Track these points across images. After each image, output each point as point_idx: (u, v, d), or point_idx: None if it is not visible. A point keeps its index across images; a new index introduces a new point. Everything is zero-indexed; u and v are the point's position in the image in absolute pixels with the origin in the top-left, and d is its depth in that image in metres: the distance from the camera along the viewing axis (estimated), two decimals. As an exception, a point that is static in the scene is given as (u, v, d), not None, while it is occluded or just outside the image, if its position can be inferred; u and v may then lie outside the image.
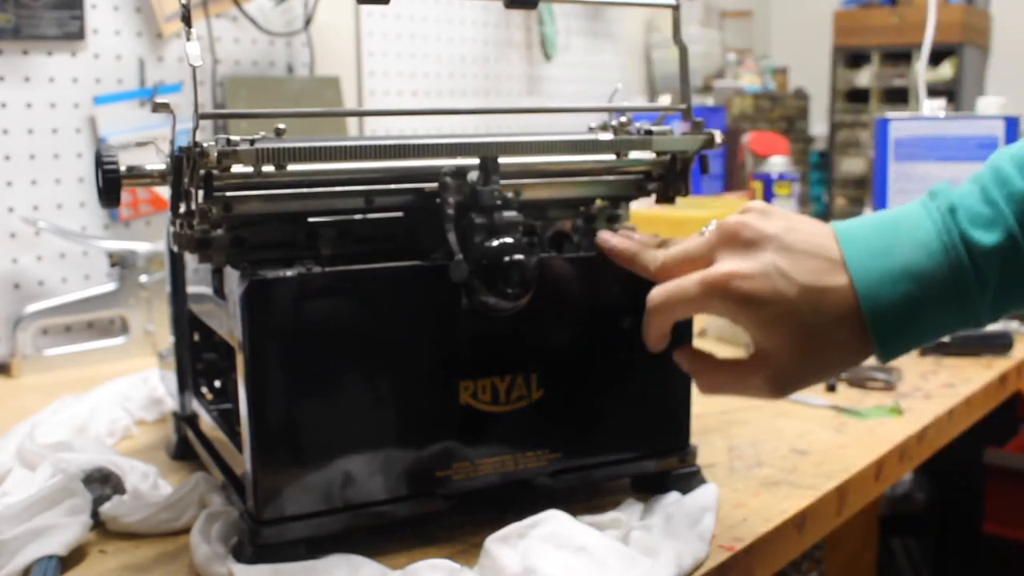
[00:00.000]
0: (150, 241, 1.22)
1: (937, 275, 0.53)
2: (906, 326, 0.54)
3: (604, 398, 0.69)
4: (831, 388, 1.02)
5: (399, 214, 0.66)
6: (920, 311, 0.54)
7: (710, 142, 0.71)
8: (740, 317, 0.57)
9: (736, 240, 0.57)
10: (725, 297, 0.56)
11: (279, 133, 0.60)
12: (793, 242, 0.56)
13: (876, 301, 0.54)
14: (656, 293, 0.60)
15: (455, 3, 1.76)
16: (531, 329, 0.65)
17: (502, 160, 0.65)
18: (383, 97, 1.66)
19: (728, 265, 0.57)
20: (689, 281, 0.58)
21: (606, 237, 0.66)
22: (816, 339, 0.55)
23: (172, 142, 0.60)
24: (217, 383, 0.81)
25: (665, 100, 2.04)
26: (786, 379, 0.57)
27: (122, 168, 0.62)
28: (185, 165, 0.59)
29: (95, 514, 0.65)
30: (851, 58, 3.55)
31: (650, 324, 0.62)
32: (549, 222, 0.73)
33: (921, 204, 0.56)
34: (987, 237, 0.53)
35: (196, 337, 0.79)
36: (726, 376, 0.61)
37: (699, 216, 1.36)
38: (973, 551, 1.77)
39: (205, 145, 0.57)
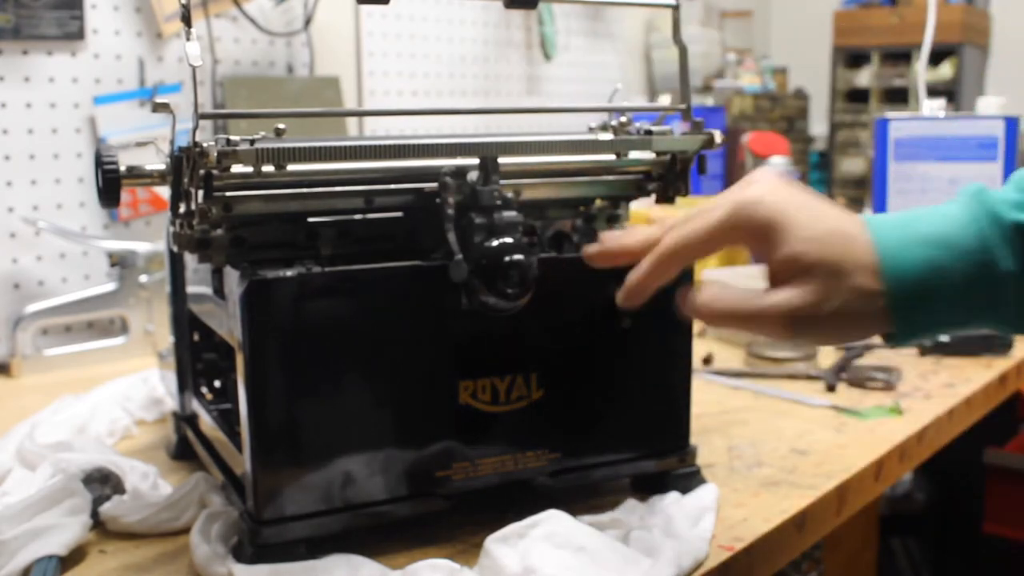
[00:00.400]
0: (150, 241, 1.22)
1: (963, 243, 0.51)
2: (926, 293, 0.51)
3: (604, 398, 0.69)
4: (831, 388, 1.02)
5: (399, 214, 0.66)
6: (942, 278, 0.51)
7: (710, 142, 0.71)
8: (763, 244, 0.54)
9: (764, 178, 0.55)
10: (752, 222, 0.53)
11: (279, 133, 0.60)
12: (811, 197, 0.55)
13: (896, 261, 0.51)
14: (673, 235, 0.56)
15: (455, 3, 1.76)
16: (531, 329, 0.65)
17: (502, 160, 0.65)
18: (383, 97, 1.66)
19: (754, 192, 0.54)
20: (714, 212, 0.55)
21: (588, 248, 0.60)
22: (841, 280, 0.51)
23: (172, 142, 0.60)
24: (217, 383, 0.81)
25: (665, 100, 2.04)
26: (802, 315, 0.52)
27: (122, 168, 0.63)
28: (185, 165, 0.59)
29: (95, 514, 0.65)
30: (851, 58, 3.55)
31: (657, 270, 0.57)
32: (549, 222, 0.73)
33: (951, 201, 0.54)
34: (1017, 214, 0.51)
35: (196, 337, 0.79)
36: (739, 298, 0.55)
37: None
38: (973, 551, 1.77)
39: (205, 145, 0.57)
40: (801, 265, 0.52)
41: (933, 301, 0.51)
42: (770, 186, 0.55)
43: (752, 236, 0.54)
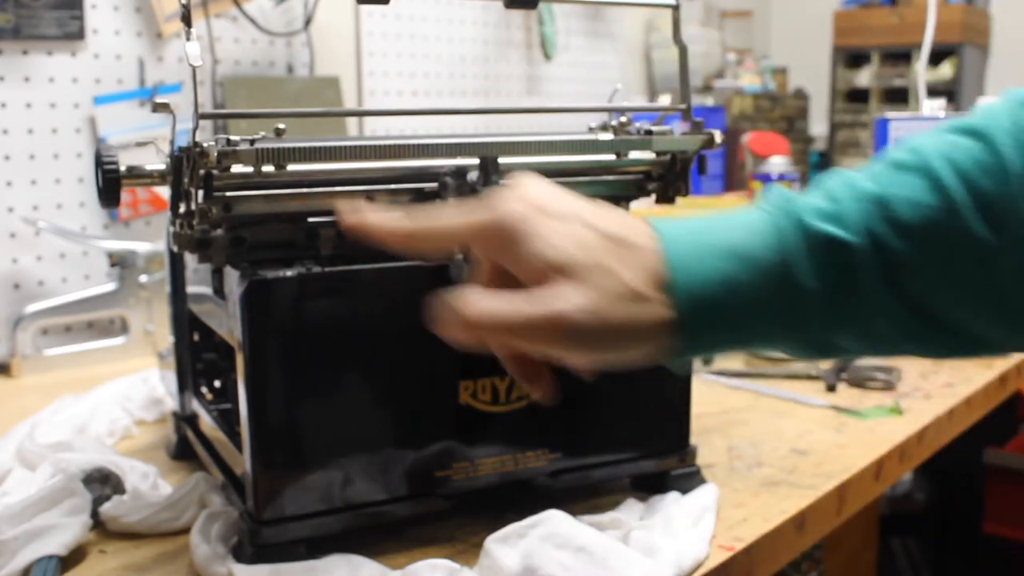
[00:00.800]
0: (150, 241, 1.22)
1: (761, 257, 0.46)
2: (713, 307, 0.46)
3: (604, 398, 0.69)
4: (831, 388, 1.02)
5: (399, 214, 0.66)
6: (733, 292, 0.46)
7: (710, 142, 0.71)
8: (517, 254, 0.47)
9: (522, 186, 0.49)
10: (509, 227, 0.47)
11: (279, 133, 0.60)
12: (586, 202, 0.49)
13: (687, 274, 0.46)
14: (423, 217, 0.49)
15: (455, 3, 1.76)
16: (531, 329, 0.65)
17: (502, 160, 0.65)
18: (383, 97, 1.66)
19: (515, 196, 0.48)
20: (454, 213, 0.49)
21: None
22: (612, 280, 0.46)
23: (172, 142, 0.60)
24: (217, 383, 0.80)
25: (665, 100, 2.04)
26: (579, 318, 0.45)
27: (122, 168, 0.62)
28: (185, 165, 0.59)
29: (95, 514, 0.65)
30: (851, 58, 3.56)
31: (395, 238, 0.50)
32: (549, 222, 0.73)
33: (756, 203, 0.50)
34: (825, 227, 0.47)
35: (196, 337, 0.79)
36: (509, 307, 0.46)
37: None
38: (973, 551, 1.77)
39: (205, 145, 0.57)
40: (566, 270, 0.46)
41: (725, 318, 0.47)
42: (534, 192, 0.48)
43: (504, 247, 0.47)
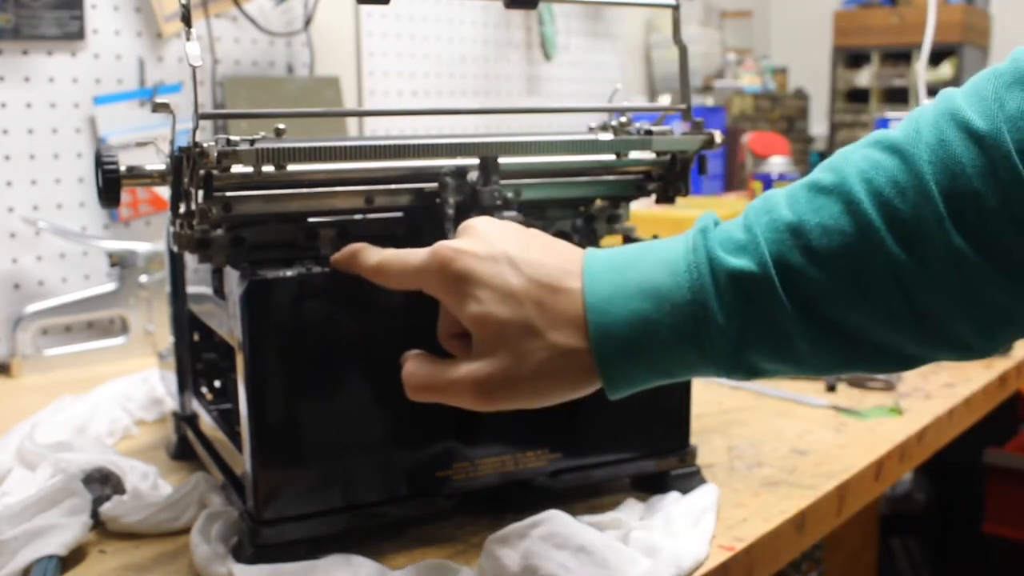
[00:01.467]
0: (150, 241, 1.22)
1: (675, 295, 0.48)
2: (634, 347, 0.49)
3: (604, 398, 0.68)
4: (831, 388, 1.02)
5: (399, 214, 0.66)
6: (651, 332, 0.48)
7: (710, 142, 0.71)
8: (454, 298, 0.51)
9: (476, 230, 0.53)
10: (443, 272, 0.51)
11: (279, 133, 0.60)
12: (535, 239, 0.53)
13: (604, 314, 0.49)
14: (384, 253, 0.56)
15: (455, 3, 1.76)
16: (531, 329, 0.65)
17: (502, 160, 0.65)
18: (383, 97, 1.66)
19: (457, 243, 0.52)
20: (413, 252, 0.54)
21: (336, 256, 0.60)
22: (533, 339, 0.49)
23: (172, 142, 0.60)
24: (217, 383, 0.80)
25: (665, 100, 2.04)
26: (493, 383, 0.50)
27: (122, 168, 0.62)
28: (185, 165, 0.59)
29: (95, 514, 0.65)
30: (851, 58, 3.56)
31: (355, 268, 0.57)
32: (549, 222, 0.73)
33: (684, 233, 0.51)
34: (735, 261, 0.48)
35: (196, 337, 0.79)
36: (432, 371, 0.53)
37: (699, 216, 1.36)
38: (973, 551, 1.77)
39: (205, 145, 0.57)
40: (490, 327, 0.50)
41: (642, 356, 0.49)
42: (475, 239, 0.52)
43: (446, 291, 0.52)
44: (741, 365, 0.49)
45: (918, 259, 0.45)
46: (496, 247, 0.51)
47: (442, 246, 0.52)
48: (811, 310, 0.47)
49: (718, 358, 0.49)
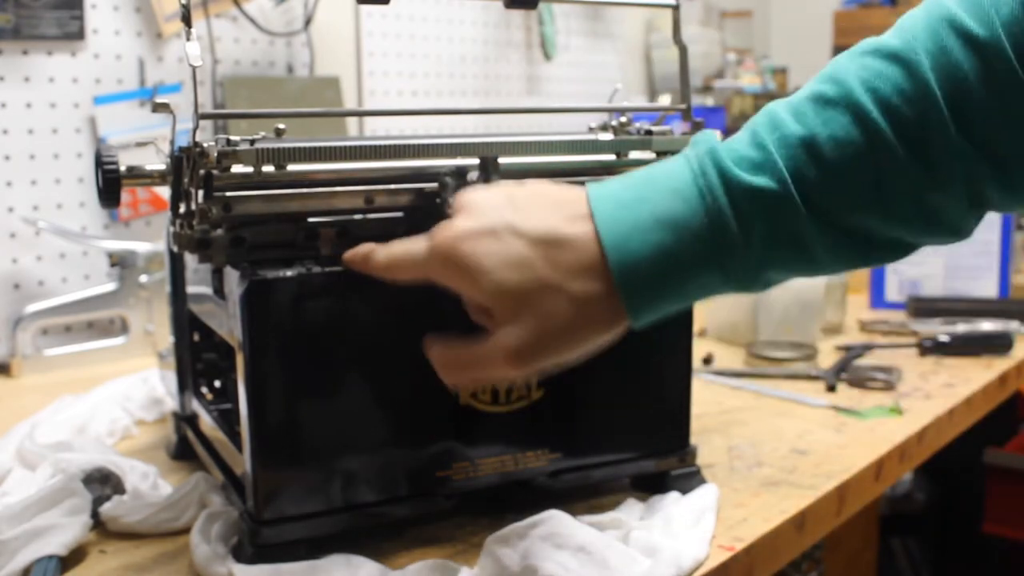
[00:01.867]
0: (150, 241, 1.22)
1: (693, 222, 0.48)
2: (659, 280, 0.48)
3: (604, 398, 0.69)
4: (831, 388, 1.02)
5: (399, 214, 0.66)
6: (675, 263, 0.48)
7: (710, 142, 0.71)
8: (466, 283, 0.51)
9: (471, 205, 0.53)
10: (448, 261, 0.51)
11: (279, 133, 0.60)
12: (530, 195, 0.52)
13: (624, 251, 0.48)
14: (391, 248, 0.56)
15: (455, 3, 1.76)
16: (531, 329, 0.65)
17: (502, 160, 0.65)
18: (383, 97, 1.66)
19: (455, 225, 0.52)
20: (419, 242, 0.54)
21: (347, 253, 0.60)
22: (554, 295, 0.49)
23: (172, 142, 0.60)
24: (217, 383, 0.80)
25: (665, 100, 2.04)
26: (525, 348, 0.50)
27: (122, 168, 0.63)
28: (185, 165, 0.59)
29: (95, 514, 0.65)
30: (851, 58, 3.55)
31: (365, 269, 0.57)
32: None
33: (682, 154, 0.51)
34: (753, 179, 0.48)
35: (196, 337, 0.79)
36: (466, 352, 0.52)
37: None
38: (973, 551, 1.77)
39: (205, 145, 0.57)
40: (508, 297, 0.49)
41: (667, 286, 0.49)
42: (470, 216, 0.52)
43: (455, 278, 0.52)
44: (761, 280, 0.50)
45: (926, 163, 0.48)
46: (492, 217, 0.51)
47: (440, 235, 0.52)
48: (830, 218, 0.49)
49: (740, 277, 0.49)
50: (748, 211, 0.48)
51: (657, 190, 0.49)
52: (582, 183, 0.72)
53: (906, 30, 0.49)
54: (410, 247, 0.54)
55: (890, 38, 0.49)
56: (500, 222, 0.50)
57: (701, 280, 0.49)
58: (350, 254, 0.58)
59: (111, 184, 0.62)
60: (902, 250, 0.52)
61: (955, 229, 0.51)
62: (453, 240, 0.51)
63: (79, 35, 1.22)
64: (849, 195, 0.48)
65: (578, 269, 0.49)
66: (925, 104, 0.47)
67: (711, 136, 0.51)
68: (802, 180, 0.48)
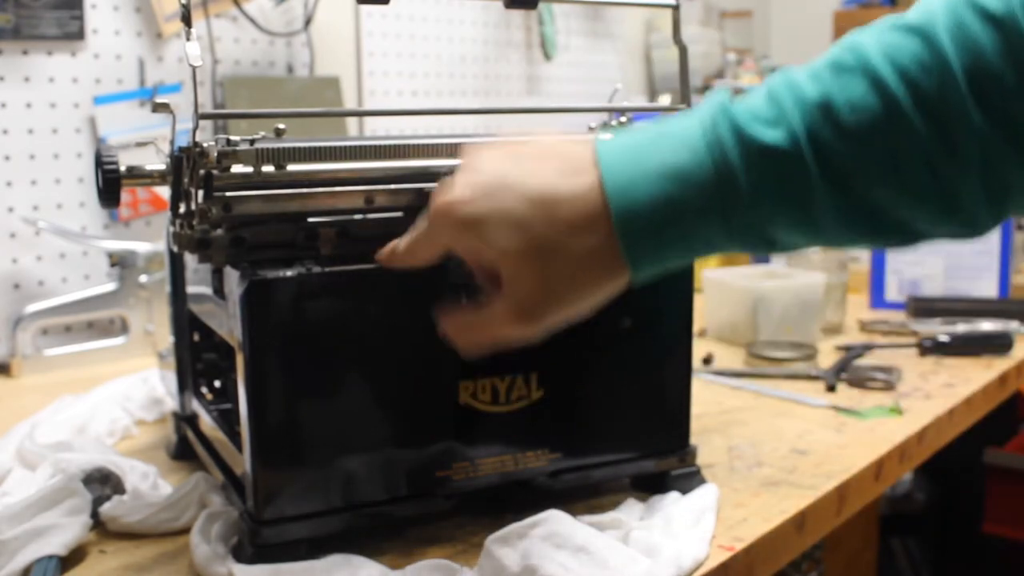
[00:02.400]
0: (150, 241, 1.22)
1: (699, 174, 0.47)
2: (660, 230, 0.48)
3: (604, 398, 0.69)
4: (831, 388, 1.02)
5: (399, 214, 0.66)
6: (678, 214, 0.48)
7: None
8: (470, 246, 0.51)
9: (471, 164, 0.53)
10: (450, 228, 0.51)
11: (279, 133, 0.60)
12: (534, 150, 0.52)
13: (626, 198, 0.48)
14: (403, 246, 0.57)
15: (455, 3, 1.76)
16: (531, 329, 0.65)
17: (502, 160, 0.65)
18: (383, 97, 1.66)
19: (453, 192, 0.51)
20: (422, 224, 0.55)
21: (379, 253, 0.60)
22: (555, 254, 0.49)
23: (172, 142, 0.60)
24: (217, 383, 0.80)
25: (665, 100, 2.04)
26: (531, 307, 0.50)
27: (122, 168, 0.63)
28: (185, 165, 0.59)
29: (95, 514, 0.65)
30: (851, 58, 3.55)
31: (393, 263, 0.58)
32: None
33: (695, 109, 0.51)
34: (766, 134, 0.47)
35: (196, 337, 0.79)
36: (474, 317, 0.54)
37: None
38: (973, 551, 1.77)
39: (205, 145, 0.57)
40: (511, 258, 0.50)
41: (668, 237, 0.49)
42: (467, 177, 0.52)
43: (460, 242, 0.52)
44: (764, 238, 0.50)
45: (943, 136, 0.47)
46: (490, 176, 0.51)
47: (437, 202, 0.52)
48: (841, 185, 0.48)
49: (744, 233, 0.49)
50: (758, 166, 0.47)
51: (666, 141, 0.49)
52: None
53: (925, 8, 0.49)
54: (418, 229, 0.55)
55: (909, 14, 0.49)
56: (497, 181, 0.50)
57: (703, 233, 0.49)
58: (381, 255, 0.59)
59: (111, 184, 0.62)
60: (911, 236, 0.51)
61: (970, 219, 0.49)
62: (451, 204, 0.51)
63: (79, 35, 1.22)
64: (863, 162, 0.48)
65: (577, 224, 0.49)
66: (944, 76, 0.46)
67: (724, 92, 0.50)
68: (816, 141, 0.47)
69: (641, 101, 2.31)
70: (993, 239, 1.40)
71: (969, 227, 0.50)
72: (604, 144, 0.50)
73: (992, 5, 0.47)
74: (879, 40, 0.49)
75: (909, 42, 0.48)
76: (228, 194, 0.60)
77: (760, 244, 0.50)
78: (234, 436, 0.65)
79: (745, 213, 0.48)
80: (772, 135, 0.47)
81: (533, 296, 0.50)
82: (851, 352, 1.14)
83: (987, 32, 0.46)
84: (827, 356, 1.15)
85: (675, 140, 0.49)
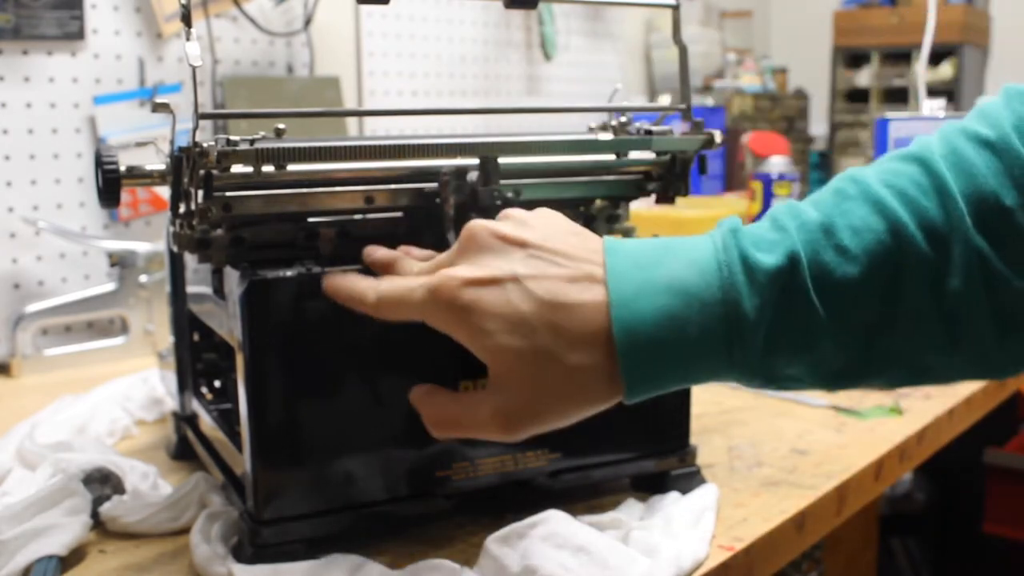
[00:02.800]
0: (150, 241, 1.22)
1: (705, 294, 0.46)
2: (661, 348, 0.46)
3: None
4: (831, 388, 1.02)
5: (399, 214, 0.66)
6: (679, 330, 0.46)
7: (710, 142, 0.71)
8: (463, 333, 0.49)
9: (479, 245, 0.50)
10: (448, 306, 0.49)
11: (279, 133, 0.60)
12: (547, 251, 0.49)
13: (629, 311, 0.46)
14: (381, 288, 0.53)
15: (455, 3, 1.76)
16: (531, 329, 0.65)
17: (502, 160, 0.65)
18: (383, 97, 1.66)
19: (459, 271, 0.49)
20: (416, 282, 0.51)
21: (370, 250, 0.59)
22: (551, 365, 0.47)
23: (172, 142, 0.60)
24: (217, 383, 0.81)
25: (665, 100, 2.04)
26: (516, 415, 0.48)
27: (122, 168, 0.62)
28: (185, 165, 0.59)
29: (95, 514, 0.65)
30: (851, 58, 3.56)
31: (356, 303, 0.55)
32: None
33: (707, 233, 0.50)
34: (768, 258, 0.47)
35: (196, 337, 0.79)
36: (455, 409, 0.52)
37: (699, 216, 1.36)
38: (973, 551, 1.77)
39: (205, 145, 0.57)
40: (505, 359, 0.48)
41: (668, 355, 0.47)
42: (476, 260, 0.50)
43: (453, 326, 0.50)
44: (765, 368, 0.48)
45: (945, 258, 0.46)
46: (499, 267, 0.49)
47: (442, 277, 0.50)
48: (841, 309, 0.47)
49: (745, 360, 0.47)
50: (760, 289, 0.47)
51: (676, 258, 0.48)
52: (582, 183, 0.72)
53: (921, 140, 0.50)
54: (405, 286, 0.52)
55: (907, 148, 0.50)
56: (507, 274, 0.49)
57: (703, 357, 0.47)
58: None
59: (111, 184, 0.62)
60: (918, 371, 0.49)
61: (985, 355, 0.47)
62: (457, 288, 0.49)
63: (79, 35, 1.22)
64: (865, 283, 0.47)
65: (580, 340, 0.47)
66: (942, 197, 0.47)
67: (735, 219, 0.50)
68: (818, 263, 0.47)
69: (641, 101, 2.31)
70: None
71: (984, 366, 0.48)
72: (613, 247, 0.49)
73: (984, 132, 0.47)
74: (878, 170, 0.50)
75: (907, 168, 0.48)
76: (228, 194, 0.60)
77: (759, 375, 0.48)
78: (234, 436, 0.66)
79: (748, 337, 0.47)
80: (773, 257, 0.47)
81: (521, 405, 0.48)
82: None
83: (982, 155, 0.47)
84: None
85: (687, 258, 0.48)
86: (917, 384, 0.50)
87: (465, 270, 0.49)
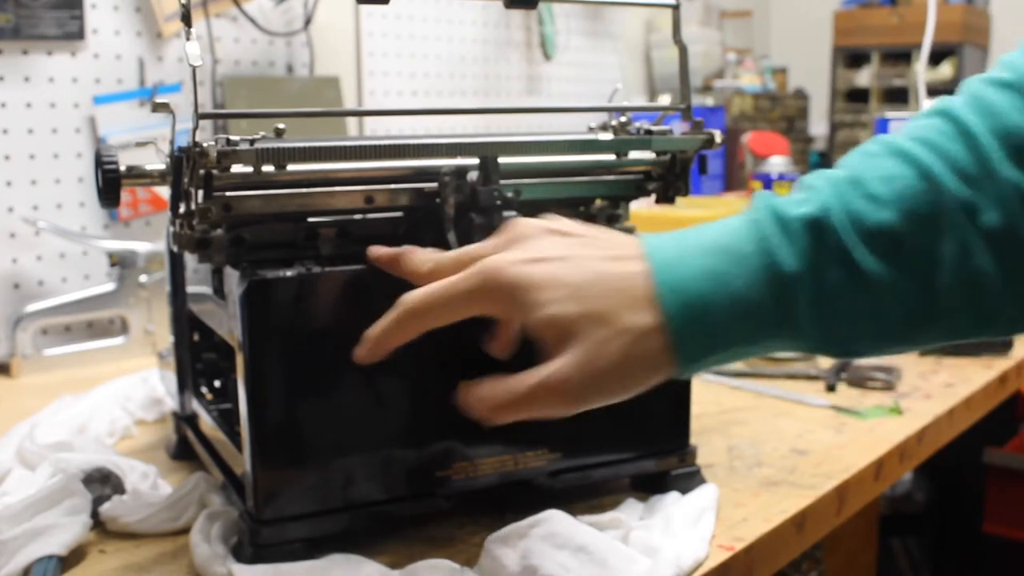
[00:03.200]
0: (150, 241, 1.22)
1: (745, 248, 0.48)
2: (707, 306, 0.47)
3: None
4: (831, 388, 1.02)
5: (399, 214, 0.66)
6: (724, 287, 0.47)
7: (710, 142, 0.71)
8: (514, 310, 0.49)
9: (524, 234, 0.51)
10: (501, 286, 0.49)
11: (279, 133, 0.60)
12: (588, 238, 0.51)
13: (672, 273, 0.48)
14: (416, 293, 0.52)
15: (455, 3, 1.76)
16: (531, 329, 0.65)
17: (502, 160, 0.65)
18: (383, 97, 1.66)
19: (507, 254, 0.50)
20: (454, 281, 0.51)
21: (373, 249, 0.59)
22: (607, 328, 0.47)
23: (172, 142, 0.60)
24: (217, 383, 0.81)
25: (665, 100, 2.04)
26: (576, 382, 0.48)
27: (122, 168, 0.62)
28: (185, 165, 0.59)
29: (95, 514, 0.65)
30: (851, 58, 3.56)
31: (398, 328, 0.53)
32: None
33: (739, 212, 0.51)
34: (798, 210, 0.48)
35: (196, 337, 0.79)
36: (510, 388, 0.50)
37: (699, 216, 1.36)
38: (973, 551, 1.77)
39: (205, 145, 0.57)
40: (560, 326, 0.48)
41: (715, 313, 0.47)
42: (521, 245, 0.51)
43: (502, 306, 0.50)
44: (818, 326, 0.48)
45: (981, 194, 0.47)
46: (544, 245, 0.50)
47: (493, 260, 0.50)
48: (883, 253, 0.47)
49: (790, 315, 0.47)
50: (794, 237, 0.47)
51: (709, 228, 0.50)
52: (582, 183, 0.72)
53: (940, 99, 0.51)
54: (447, 285, 0.51)
55: (928, 107, 0.52)
56: (556, 254, 0.50)
57: (753, 313, 0.47)
58: (381, 256, 0.58)
59: (111, 184, 0.62)
60: (982, 319, 0.48)
61: (994, 307, 0.48)
62: (503, 266, 0.49)
63: (79, 35, 1.22)
64: (902, 227, 0.47)
65: (632, 301, 0.48)
66: (968, 140, 0.47)
67: (768, 192, 0.51)
68: (848, 210, 0.47)
69: (641, 101, 2.31)
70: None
71: (990, 321, 0.48)
72: (650, 237, 0.51)
73: (1004, 75, 0.49)
74: (903, 129, 0.51)
75: (930, 121, 0.50)
76: (228, 194, 0.60)
77: (813, 333, 0.48)
78: (234, 436, 0.65)
79: (793, 289, 0.47)
80: (804, 208, 0.48)
81: (580, 369, 0.48)
82: (851, 352, 1.14)
83: (1002, 95, 0.48)
84: (827, 356, 1.15)
85: (719, 226, 0.50)
86: (981, 335, 0.50)
87: (514, 253, 0.50)
